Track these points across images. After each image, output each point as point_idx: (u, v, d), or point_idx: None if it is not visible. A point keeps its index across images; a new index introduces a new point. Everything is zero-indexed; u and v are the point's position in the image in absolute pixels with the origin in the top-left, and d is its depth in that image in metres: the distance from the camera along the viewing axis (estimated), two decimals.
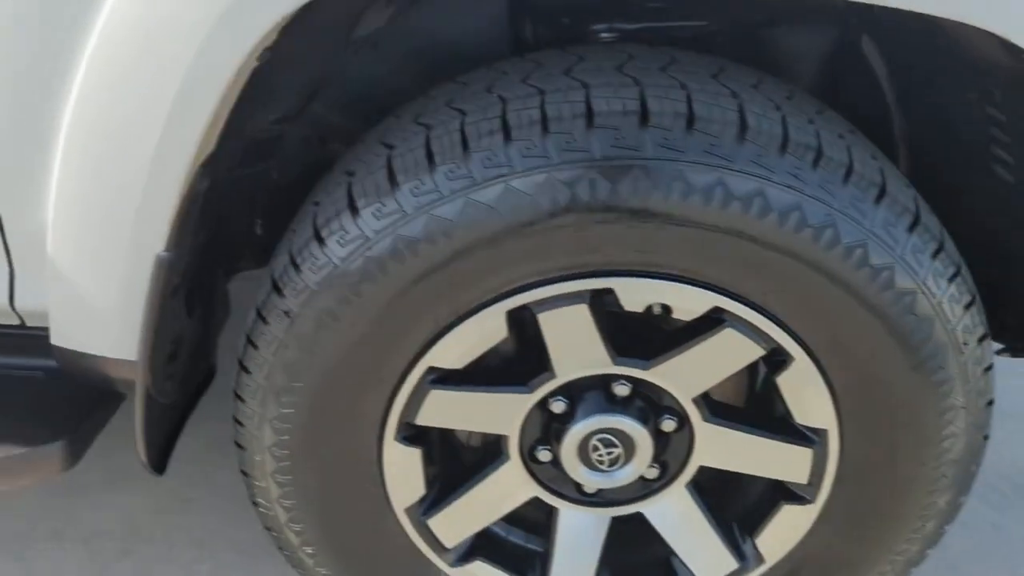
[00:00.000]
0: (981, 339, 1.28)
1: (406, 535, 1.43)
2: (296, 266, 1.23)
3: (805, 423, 1.34)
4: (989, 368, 1.30)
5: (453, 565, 1.47)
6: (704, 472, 1.45)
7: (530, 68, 1.23)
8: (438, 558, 1.46)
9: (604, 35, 1.46)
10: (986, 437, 1.36)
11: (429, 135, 1.18)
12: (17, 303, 1.31)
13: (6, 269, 1.27)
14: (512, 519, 1.52)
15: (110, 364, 1.31)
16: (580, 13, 1.49)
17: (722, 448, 1.39)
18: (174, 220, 1.17)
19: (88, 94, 1.11)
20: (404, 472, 1.38)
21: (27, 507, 1.93)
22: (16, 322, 1.36)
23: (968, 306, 1.25)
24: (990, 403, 1.33)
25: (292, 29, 1.20)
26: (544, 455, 1.41)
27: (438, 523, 1.43)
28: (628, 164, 1.11)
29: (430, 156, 1.16)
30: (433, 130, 1.18)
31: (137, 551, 1.85)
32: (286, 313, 1.24)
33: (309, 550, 1.43)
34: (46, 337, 1.32)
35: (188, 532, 1.89)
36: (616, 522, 1.49)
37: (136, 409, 1.31)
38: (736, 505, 1.50)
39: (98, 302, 1.25)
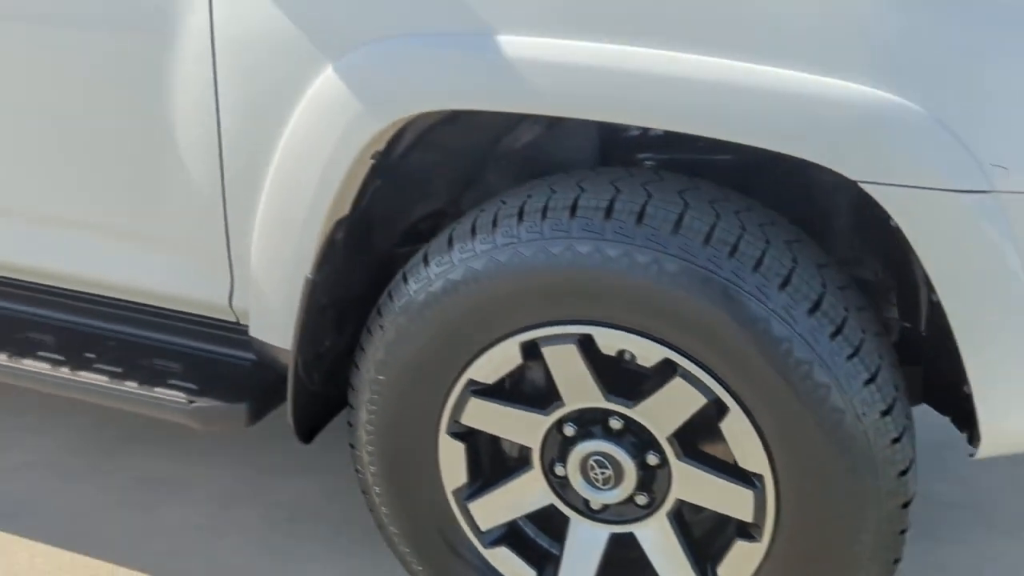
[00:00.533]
0: (884, 412, 1.55)
1: (452, 511, 1.92)
2: (391, 297, 1.83)
3: (746, 467, 1.67)
4: (897, 440, 1.56)
5: (485, 546, 1.93)
6: (688, 506, 1.80)
7: (560, 177, 1.76)
8: (473, 536, 1.92)
9: (647, 162, 1.95)
10: (905, 505, 1.60)
11: (479, 215, 1.75)
12: (234, 304, 2.04)
13: (228, 278, 2.01)
14: (543, 525, 1.95)
15: (279, 351, 1.98)
16: (641, 147, 2.01)
17: (693, 485, 1.75)
18: (317, 255, 1.83)
19: (276, 174, 1.82)
20: (452, 460, 1.88)
21: (226, 478, 2.63)
22: (233, 319, 2.09)
23: (868, 382, 1.54)
24: (903, 473, 1.58)
25: (426, 145, 1.85)
26: (560, 470, 1.85)
27: (477, 507, 1.91)
28: (592, 242, 1.59)
29: (473, 229, 1.72)
30: (482, 211, 1.75)
31: (301, 524, 2.46)
32: (380, 327, 1.83)
33: (385, 510, 1.97)
34: (247, 330, 2.03)
35: (343, 512, 2.49)
36: (623, 547, 1.87)
37: (288, 384, 1.96)
38: (715, 540, 1.82)
39: (275, 306, 1.93)
